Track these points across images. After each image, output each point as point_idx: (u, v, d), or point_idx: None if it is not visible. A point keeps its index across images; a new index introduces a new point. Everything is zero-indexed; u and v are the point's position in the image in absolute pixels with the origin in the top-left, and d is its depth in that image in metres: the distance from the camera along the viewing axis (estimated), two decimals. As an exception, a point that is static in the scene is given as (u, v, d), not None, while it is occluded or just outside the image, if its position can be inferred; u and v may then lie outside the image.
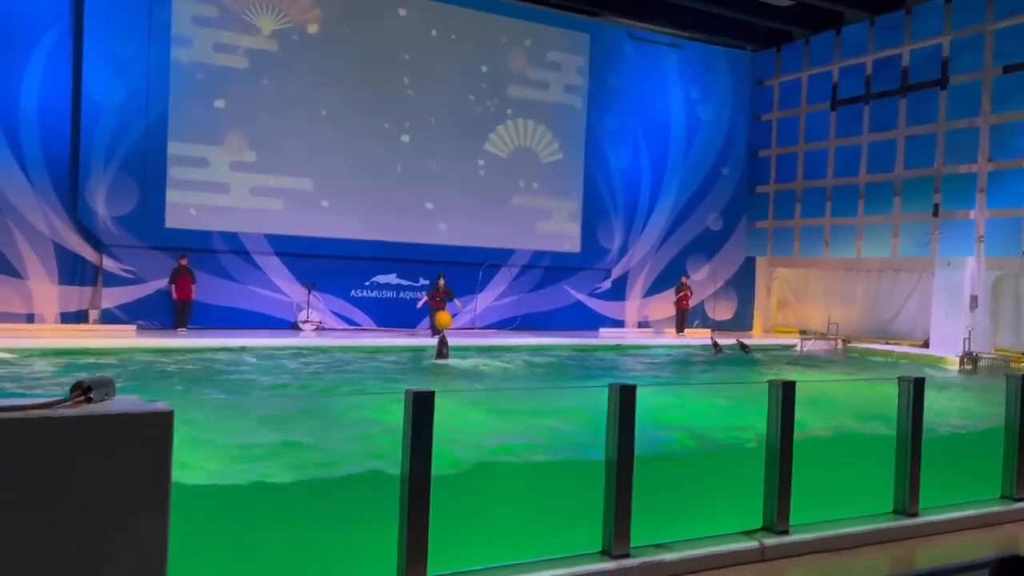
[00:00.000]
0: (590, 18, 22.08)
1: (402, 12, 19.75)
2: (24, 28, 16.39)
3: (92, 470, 2.84)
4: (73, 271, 17.02)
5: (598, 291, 22.44)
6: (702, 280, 23.82)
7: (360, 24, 19.32)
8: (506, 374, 14.42)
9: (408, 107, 19.80)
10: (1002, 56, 18.53)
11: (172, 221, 17.61)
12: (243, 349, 15.36)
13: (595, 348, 18.80)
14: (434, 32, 20.07)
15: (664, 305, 23.20)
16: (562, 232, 21.78)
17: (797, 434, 5.86)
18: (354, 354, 15.98)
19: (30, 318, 16.54)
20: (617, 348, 18.99)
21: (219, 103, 17.98)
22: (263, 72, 18.34)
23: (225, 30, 17.98)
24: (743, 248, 24.62)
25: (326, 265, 18.98)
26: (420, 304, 19.15)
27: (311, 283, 18.66)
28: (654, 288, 23.31)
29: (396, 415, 4.54)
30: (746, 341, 19.90)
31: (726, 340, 19.61)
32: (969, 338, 18.57)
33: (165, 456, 2.98)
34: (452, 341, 16.80)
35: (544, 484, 5.97)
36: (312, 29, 18.85)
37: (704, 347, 19.27)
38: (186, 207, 17.71)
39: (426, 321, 19.09)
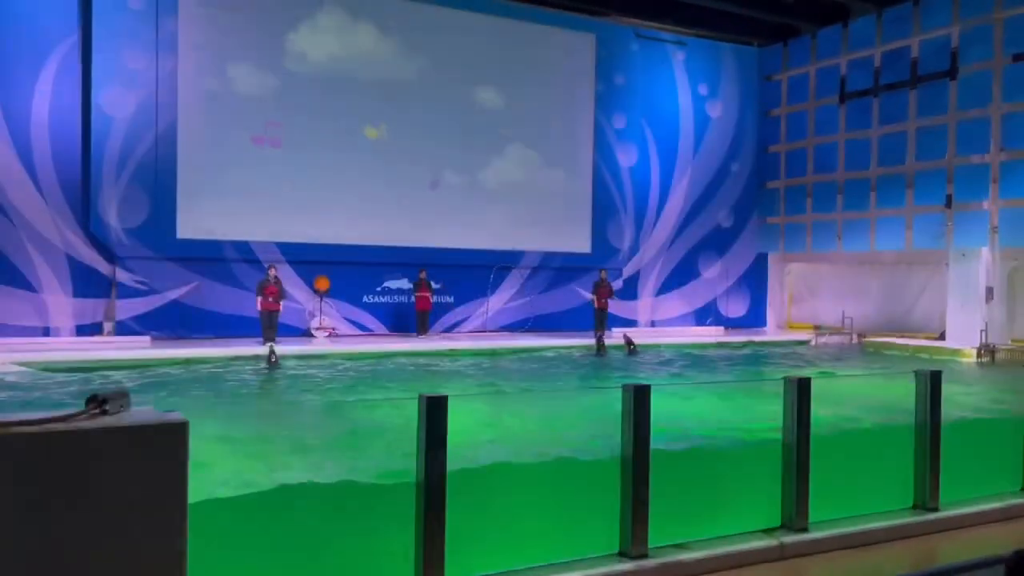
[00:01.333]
0: (596, 18, 22.07)
1: (408, 15, 19.77)
2: (34, 43, 16.50)
3: (108, 482, 2.85)
4: (87, 283, 17.12)
5: (610, 291, 22.36)
6: (714, 277, 23.74)
7: (365, 26, 19.37)
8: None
9: (415, 111, 19.82)
10: (1012, 45, 18.39)
11: (184, 232, 17.70)
12: (257, 357, 15.41)
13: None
14: (442, 37, 20.09)
15: (676, 303, 23.16)
16: (573, 230, 21.74)
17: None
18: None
19: (46, 331, 16.65)
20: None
21: (228, 113, 18.05)
22: (273, 79, 18.41)
23: (233, 39, 18.07)
24: (755, 244, 24.52)
25: (337, 271, 19.03)
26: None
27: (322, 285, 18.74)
28: (665, 287, 23.25)
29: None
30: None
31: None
32: (986, 330, 18.42)
33: (181, 466, 2.98)
34: (465, 344, 16.96)
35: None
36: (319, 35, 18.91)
37: (716, 344, 19.21)
38: (198, 217, 17.78)
39: (437, 324, 19.31)
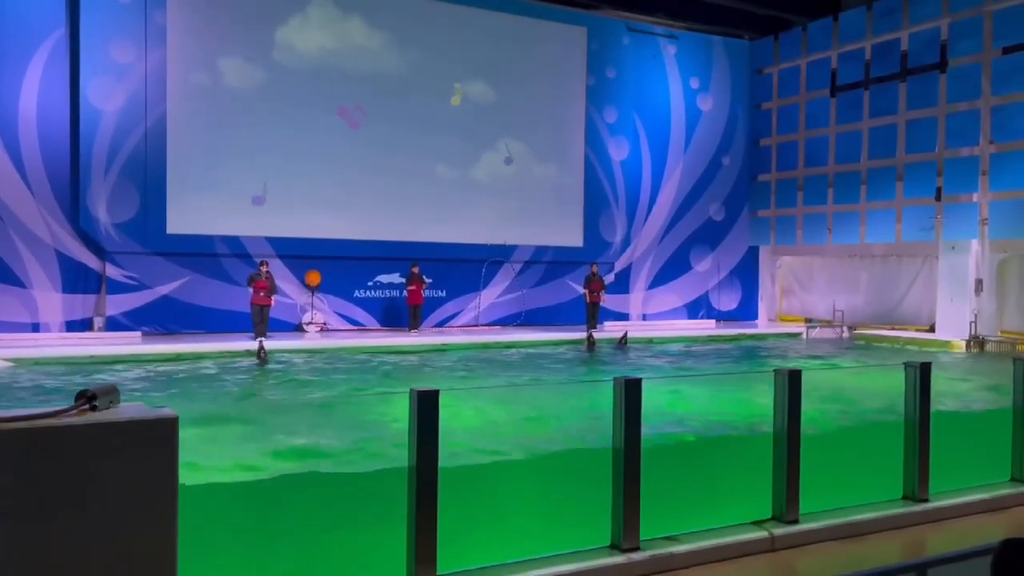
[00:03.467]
0: (587, 11, 22.05)
1: (398, 8, 19.69)
2: (21, 36, 16.38)
3: (98, 478, 2.84)
4: (76, 279, 17.04)
5: (602, 284, 22.38)
6: (706, 271, 23.79)
7: (355, 20, 19.28)
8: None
9: (407, 106, 19.76)
10: (1001, 37, 18.45)
11: (174, 227, 17.61)
12: (249, 352, 15.36)
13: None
14: (433, 30, 20.02)
15: (668, 297, 23.18)
16: (565, 224, 21.75)
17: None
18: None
19: (35, 327, 16.57)
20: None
21: (218, 106, 17.95)
22: (263, 73, 18.32)
23: (223, 32, 17.96)
24: (746, 237, 24.58)
25: (328, 266, 18.99)
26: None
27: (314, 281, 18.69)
28: (657, 280, 23.29)
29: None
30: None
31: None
32: (975, 321, 18.53)
33: (171, 462, 2.97)
34: (457, 339, 16.87)
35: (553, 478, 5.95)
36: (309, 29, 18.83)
37: (707, 338, 19.25)
38: (188, 212, 17.70)
39: (429, 318, 19.29)
